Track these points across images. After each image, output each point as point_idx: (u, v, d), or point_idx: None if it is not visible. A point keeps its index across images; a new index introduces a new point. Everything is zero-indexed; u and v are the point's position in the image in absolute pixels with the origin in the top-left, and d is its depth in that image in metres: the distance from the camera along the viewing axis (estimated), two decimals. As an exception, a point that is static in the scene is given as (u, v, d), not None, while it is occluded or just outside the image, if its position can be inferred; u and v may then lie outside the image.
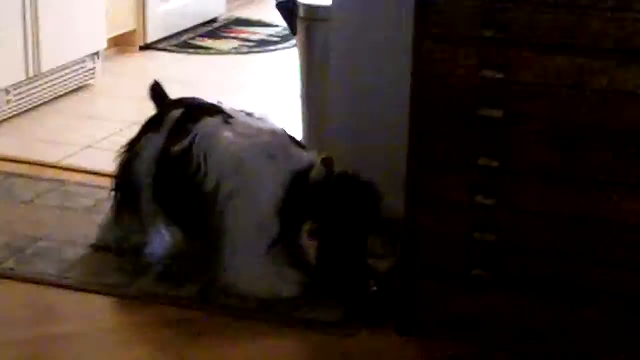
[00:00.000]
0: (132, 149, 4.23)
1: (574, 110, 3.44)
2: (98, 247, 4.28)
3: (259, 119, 4.15)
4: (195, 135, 4.02)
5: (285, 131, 4.11)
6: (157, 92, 4.34)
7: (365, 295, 3.90)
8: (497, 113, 3.49)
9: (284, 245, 4.02)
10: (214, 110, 4.14)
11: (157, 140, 4.15)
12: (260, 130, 4.04)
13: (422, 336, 3.72)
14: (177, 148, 4.04)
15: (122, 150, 4.28)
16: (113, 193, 4.29)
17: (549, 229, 3.55)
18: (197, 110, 4.15)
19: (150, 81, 4.39)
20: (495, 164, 3.53)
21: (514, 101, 3.48)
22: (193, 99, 4.30)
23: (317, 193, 3.95)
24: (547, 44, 3.42)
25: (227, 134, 4.01)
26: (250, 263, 3.93)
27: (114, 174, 4.31)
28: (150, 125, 4.23)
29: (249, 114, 4.16)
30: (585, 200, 3.49)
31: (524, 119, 3.49)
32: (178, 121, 4.12)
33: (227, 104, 4.23)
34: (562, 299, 3.59)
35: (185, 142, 4.02)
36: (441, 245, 3.66)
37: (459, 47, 3.51)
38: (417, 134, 3.59)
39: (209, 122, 4.05)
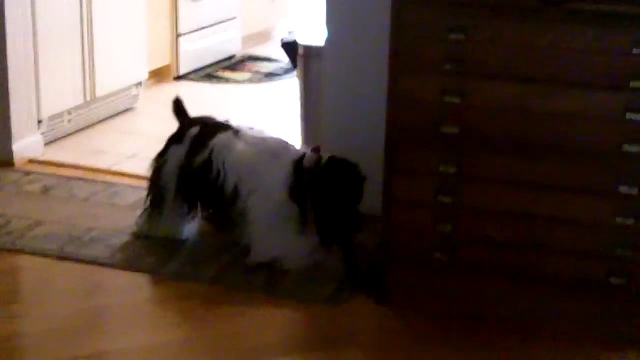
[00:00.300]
0: (162, 158, 4.22)
1: (517, 127, 3.43)
2: (137, 236, 4.25)
3: (259, 131, 4.16)
4: (213, 147, 4.02)
5: (281, 138, 4.11)
6: (178, 106, 4.33)
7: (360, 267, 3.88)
8: (455, 130, 3.47)
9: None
10: (224, 127, 4.13)
11: (180, 151, 4.14)
12: (263, 140, 4.05)
13: (396, 306, 3.69)
14: (199, 159, 4.04)
15: (154, 159, 4.27)
16: (147, 193, 4.28)
17: (496, 222, 3.52)
18: (211, 127, 4.15)
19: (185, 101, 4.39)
20: (453, 170, 3.50)
21: (468, 121, 3.46)
22: (207, 117, 4.28)
23: (311, 174, 3.93)
24: (495, 75, 3.41)
25: (240, 144, 4.01)
26: (276, 243, 3.93)
27: (148, 178, 4.30)
28: (174, 140, 4.22)
29: (251, 128, 4.16)
30: (524, 199, 3.47)
31: (476, 134, 3.47)
32: (196, 137, 4.12)
33: (234, 122, 4.23)
34: (507, 279, 3.57)
35: (205, 153, 4.03)
36: (410, 235, 3.63)
37: (425, 78, 3.49)
38: (391, 147, 3.56)
39: (223, 137, 4.06)
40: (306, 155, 3.97)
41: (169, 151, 4.20)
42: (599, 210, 3.38)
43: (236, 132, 4.07)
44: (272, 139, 4.09)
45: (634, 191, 3.32)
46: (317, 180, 3.92)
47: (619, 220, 3.36)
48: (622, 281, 3.41)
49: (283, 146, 4.05)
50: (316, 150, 4.02)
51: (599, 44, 3.25)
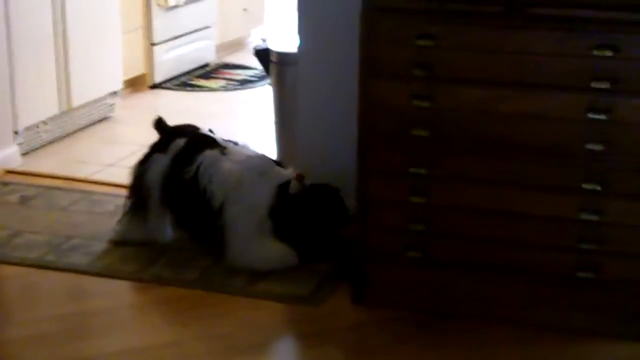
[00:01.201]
0: (143, 165, 4.25)
1: (485, 129, 3.49)
2: (115, 243, 4.28)
3: (243, 146, 4.24)
4: (200, 164, 4.08)
5: (266, 155, 4.19)
6: (160, 124, 4.39)
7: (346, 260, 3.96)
8: (425, 132, 3.54)
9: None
10: (211, 142, 4.19)
11: (164, 159, 4.19)
12: (249, 157, 4.13)
13: (372, 304, 3.74)
14: (185, 173, 4.09)
15: (135, 166, 4.31)
16: (127, 199, 4.32)
17: (465, 220, 3.59)
18: (198, 141, 4.21)
19: (156, 115, 4.44)
20: (424, 171, 3.57)
21: (438, 123, 3.53)
22: (190, 126, 4.35)
23: (295, 201, 4.02)
24: (462, 79, 3.48)
25: (226, 162, 4.07)
26: (251, 247, 4.01)
27: (128, 184, 4.34)
28: (157, 148, 4.27)
29: (235, 143, 4.24)
30: (493, 197, 3.54)
31: (445, 137, 3.54)
32: (182, 149, 4.18)
33: (218, 133, 4.30)
34: (475, 274, 3.63)
35: (192, 168, 4.08)
36: (385, 234, 3.69)
37: (395, 83, 3.55)
38: (364, 150, 3.62)
39: (210, 154, 4.10)
40: (292, 182, 4.03)
41: (151, 158, 4.24)
42: (564, 207, 3.45)
43: (223, 150, 4.13)
44: (257, 156, 4.17)
45: (598, 188, 3.40)
46: (300, 208, 4.02)
47: (584, 216, 3.43)
48: (589, 274, 3.49)
49: (269, 165, 4.12)
50: (300, 178, 4.07)
51: (561, 47, 3.34)
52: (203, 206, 4.06)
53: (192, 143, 4.20)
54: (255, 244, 4.01)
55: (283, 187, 4.03)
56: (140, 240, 4.24)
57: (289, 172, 4.10)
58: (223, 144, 4.19)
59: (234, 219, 4.01)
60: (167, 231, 4.29)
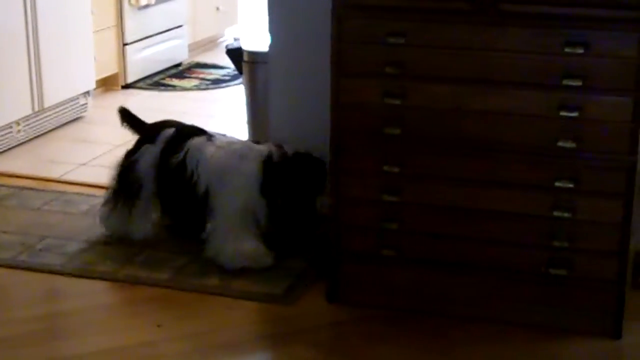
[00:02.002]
0: (132, 157, 4.27)
1: (456, 127, 3.49)
2: (108, 236, 4.31)
3: (230, 137, 4.31)
4: (188, 150, 4.13)
5: (247, 141, 4.24)
6: (126, 114, 4.45)
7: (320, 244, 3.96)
8: (396, 131, 3.53)
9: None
10: (199, 131, 4.26)
11: (153, 149, 4.22)
12: (231, 142, 4.18)
13: (347, 302, 3.74)
14: (174, 160, 4.13)
15: (123, 158, 4.33)
16: (113, 192, 4.30)
17: (438, 218, 3.59)
18: (187, 130, 4.28)
19: (132, 109, 4.51)
20: (396, 169, 3.57)
21: (410, 121, 3.52)
22: (173, 121, 4.42)
23: (280, 169, 4.04)
24: (433, 77, 3.47)
25: (211, 148, 4.12)
26: (233, 243, 4.01)
27: (115, 175, 4.32)
28: (146, 139, 4.30)
29: (223, 135, 4.30)
30: (466, 194, 3.54)
31: (417, 134, 3.53)
32: (172, 137, 4.22)
33: (203, 125, 4.37)
34: (449, 271, 3.63)
35: (181, 155, 4.13)
36: (358, 232, 3.68)
37: (367, 81, 3.54)
38: (337, 148, 3.62)
39: (197, 140, 4.17)
40: (273, 152, 4.06)
41: (140, 150, 4.26)
42: (536, 204, 3.46)
43: (210, 137, 4.19)
44: (239, 141, 4.22)
45: (570, 185, 3.40)
46: (287, 173, 4.04)
47: (556, 213, 3.44)
48: (561, 271, 3.49)
49: (248, 146, 4.16)
50: (279, 147, 4.10)
51: (532, 44, 3.34)
52: (190, 192, 4.10)
53: (182, 131, 4.26)
54: (233, 240, 4.01)
55: (267, 160, 4.06)
56: (128, 234, 4.27)
57: (266, 147, 4.13)
58: (211, 132, 4.27)
59: (216, 210, 4.04)
60: (147, 226, 4.29)
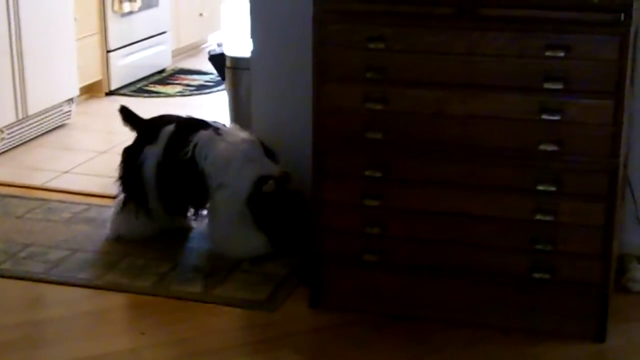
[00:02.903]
0: (136, 159, 4.25)
1: (438, 131, 3.47)
2: (117, 239, 4.32)
3: (234, 129, 4.28)
4: (197, 143, 4.12)
5: (258, 143, 4.19)
6: (126, 112, 4.41)
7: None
8: (378, 135, 3.51)
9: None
10: (203, 123, 4.24)
11: (155, 150, 4.21)
12: (242, 140, 4.16)
13: (329, 308, 3.72)
14: (182, 156, 4.12)
15: (123, 159, 4.33)
16: (120, 196, 4.34)
17: (421, 223, 3.56)
18: (189, 123, 4.26)
19: (116, 115, 4.44)
20: (378, 174, 3.55)
21: (391, 126, 3.50)
22: (170, 116, 4.38)
23: (265, 202, 4.04)
24: (414, 82, 3.45)
25: (221, 142, 4.11)
26: (230, 236, 4.10)
27: (120, 180, 4.34)
28: (147, 139, 4.27)
29: (224, 126, 4.29)
30: (448, 198, 3.51)
31: (399, 139, 3.51)
32: (174, 133, 4.20)
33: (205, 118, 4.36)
34: (432, 276, 3.61)
35: (190, 148, 4.12)
36: (341, 237, 3.66)
37: (348, 86, 3.52)
38: (318, 153, 3.59)
39: (205, 133, 4.15)
40: (269, 182, 4.05)
41: (143, 151, 4.24)
42: (519, 208, 3.44)
43: (216, 130, 4.17)
44: (249, 140, 4.18)
45: (552, 188, 3.38)
46: (271, 209, 4.05)
47: (538, 216, 3.42)
48: (544, 275, 3.47)
49: (258, 153, 4.14)
50: (281, 178, 4.08)
51: (513, 48, 3.32)
52: (200, 186, 4.11)
53: (184, 126, 4.23)
54: (234, 233, 4.08)
55: (260, 181, 4.06)
56: (138, 236, 4.29)
57: (274, 168, 4.12)
58: (215, 125, 4.24)
59: (218, 204, 4.09)
60: (152, 227, 4.32)
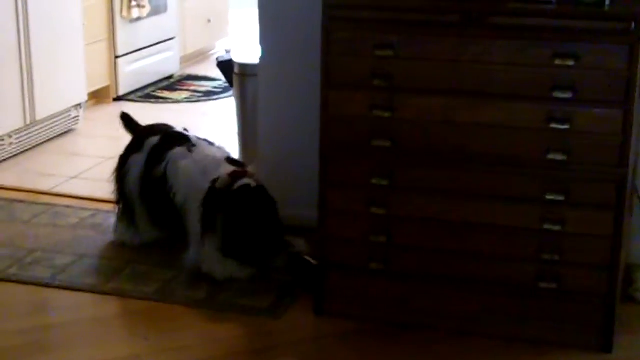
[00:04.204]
0: (123, 169, 4.27)
1: (445, 139, 3.45)
2: (122, 245, 4.31)
3: (218, 147, 4.23)
4: (169, 161, 4.11)
5: (228, 156, 4.15)
6: (127, 119, 4.44)
7: (310, 268, 3.89)
8: (385, 143, 3.49)
9: None
10: (183, 139, 4.20)
11: (139, 159, 4.22)
12: (206, 157, 4.11)
13: (334, 315, 3.69)
14: (157, 171, 4.12)
15: (115, 169, 4.34)
16: (116, 203, 4.36)
17: (427, 231, 3.54)
18: (170, 138, 4.22)
19: (120, 121, 4.48)
20: (385, 182, 3.52)
21: (398, 134, 3.48)
22: (165, 125, 4.37)
23: (220, 197, 3.95)
24: (422, 89, 3.43)
25: (186, 160, 4.08)
26: (208, 257, 3.98)
27: (113, 187, 4.36)
28: (133, 148, 4.28)
29: (211, 143, 4.24)
30: (454, 208, 3.49)
31: (406, 147, 3.49)
32: (156, 146, 4.20)
33: (193, 133, 4.31)
34: (437, 285, 3.59)
35: (162, 166, 4.11)
36: (346, 246, 3.64)
37: (356, 93, 3.50)
38: (325, 160, 3.57)
39: (178, 151, 4.13)
40: (220, 178, 3.98)
41: (129, 160, 4.24)
42: (526, 217, 3.41)
43: (191, 147, 4.14)
44: (214, 157, 4.11)
45: (560, 198, 3.35)
46: (225, 204, 3.94)
47: (546, 226, 3.39)
48: (551, 285, 3.44)
49: (216, 163, 4.07)
50: (236, 175, 4.00)
51: (521, 57, 3.29)
52: (170, 203, 4.09)
53: (165, 140, 4.22)
54: (210, 254, 3.98)
55: (214, 182, 4.01)
56: (136, 243, 4.29)
57: (230, 169, 4.04)
58: (194, 141, 4.19)
59: (188, 221, 4.03)
60: (151, 234, 4.30)
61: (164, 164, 4.11)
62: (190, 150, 4.12)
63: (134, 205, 4.26)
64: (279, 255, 3.99)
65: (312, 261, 3.92)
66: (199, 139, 4.24)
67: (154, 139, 4.22)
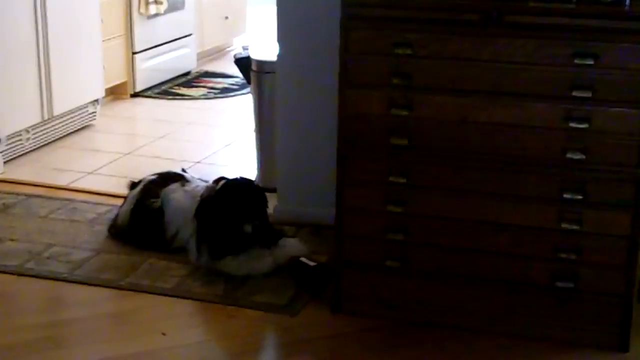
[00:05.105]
0: (123, 202, 4.44)
1: (463, 138, 3.44)
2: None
3: (206, 182, 4.32)
4: (163, 197, 4.24)
5: (214, 187, 4.16)
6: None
7: (307, 271, 3.90)
8: (403, 141, 3.49)
9: None
10: (177, 177, 4.36)
11: (133, 195, 4.35)
12: (197, 187, 4.26)
13: (350, 313, 3.69)
14: (154, 205, 4.25)
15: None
16: None
17: (443, 229, 3.54)
18: (166, 176, 4.38)
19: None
20: (402, 180, 3.52)
21: (416, 132, 3.48)
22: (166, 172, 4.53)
23: (206, 201, 4.07)
24: (440, 88, 3.43)
25: (177, 193, 4.23)
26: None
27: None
28: (133, 186, 4.44)
29: (204, 181, 4.36)
30: (472, 206, 3.49)
31: (423, 145, 3.49)
32: (151, 182, 4.34)
33: (190, 173, 4.49)
34: (454, 283, 3.58)
35: (158, 201, 4.24)
36: (363, 244, 3.63)
37: (374, 91, 3.50)
38: (342, 158, 3.57)
39: (171, 186, 4.28)
40: (208, 187, 4.14)
41: (128, 195, 4.42)
42: (544, 216, 3.40)
43: (184, 182, 4.31)
44: (202, 185, 4.26)
45: (578, 197, 3.35)
46: (210, 204, 4.06)
47: (563, 225, 3.39)
48: (568, 284, 3.44)
49: (206, 187, 4.20)
50: (224, 177, 4.16)
51: (540, 56, 3.29)
52: (162, 234, 4.23)
53: (161, 178, 4.38)
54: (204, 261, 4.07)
55: (203, 194, 4.13)
56: None
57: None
58: (189, 178, 4.37)
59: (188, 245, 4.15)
60: None
61: (159, 199, 4.24)
62: (183, 185, 4.28)
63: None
64: (274, 244, 4.06)
65: (309, 263, 3.93)
66: (192, 177, 4.41)
67: (151, 177, 4.40)
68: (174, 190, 4.25)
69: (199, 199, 4.12)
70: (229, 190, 4.05)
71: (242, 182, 4.13)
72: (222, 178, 4.16)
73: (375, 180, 3.56)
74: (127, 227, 4.31)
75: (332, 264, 3.77)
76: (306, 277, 3.87)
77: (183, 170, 4.51)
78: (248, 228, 3.98)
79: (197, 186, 4.26)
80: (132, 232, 4.29)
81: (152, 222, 4.22)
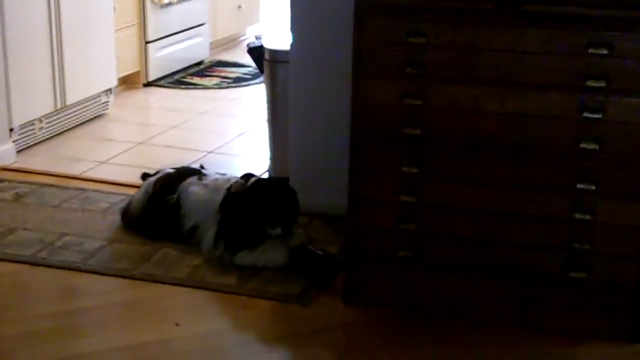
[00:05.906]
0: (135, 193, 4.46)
1: (476, 128, 3.44)
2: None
3: (224, 176, 4.34)
4: (181, 191, 4.21)
5: (237, 179, 4.20)
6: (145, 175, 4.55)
7: (315, 261, 3.91)
8: (416, 131, 3.49)
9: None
10: (194, 171, 4.36)
11: (149, 183, 4.34)
12: (215, 180, 4.25)
13: (363, 303, 3.70)
14: (170, 199, 4.23)
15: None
16: None
17: (456, 219, 3.54)
18: (183, 171, 4.38)
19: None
20: (415, 170, 3.52)
21: (429, 122, 3.48)
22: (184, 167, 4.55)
23: (235, 197, 4.07)
24: (454, 77, 3.42)
25: (196, 187, 4.21)
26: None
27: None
28: (144, 177, 4.48)
29: (222, 174, 4.38)
30: (485, 196, 3.49)
31: (437, 135, 3.48)
32: (168, 176, 4.33)
33: (207, 169, 4.47)
34: (466, 273, 3.59)
35: (175, 195, 4.21)
36: (375, 234, 3.64)
37: (388, 81, 3.50)
38: (356, 148, 3.57)
39: (189, 180, 4.27)
40: (236, 182, 4.13)
41: (143, 184, 4.43)
42: (557, 207, 3.40)
43: (201, 176, 4.30)
44: (222, 179, 4.26)
45: (591, 187, 3.35)
46: (243, 201, 4.05)
47: (577, 215, 3.39)
48: (581, 274, 3.44)
49: (226, 180, 4.22)
50: (252, 174, 4.17)
51: (554, 45, 3.28)
52: (180, 227, 4.21)
53: (178, 172, 4.38)
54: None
55: (229, 189, 4.12)
56: None
57: (236, 178, 4.21)
58: (205, 172, 4.37)
59: (203, 238, 4.13)
60: None
61: (176, 193, 4.22)
62: (200, 179, 4.27)
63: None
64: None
65: (318, 252, 3.94)
66: (209, 171, 4.41)
67: (168, 169, 4.39)
68: (192, 184, 4.23)
69: (224, 191, 4.11)
70: (260, 189, 4.05)
71: (275, 182, 4.16)
72: (250, 174, 4.16)
73: (388, 170, 3.56)
74: (140, 219, 4.30)
75: (344, 254, 3.77)
76: (315, 267, 3.88)
77: (201, 166, 4.51)
78: (274, 232, 4.00)
79: (217, 179, 4.25)
80: (146, 227, 4.29)
81: (167, 218, 4.22)
